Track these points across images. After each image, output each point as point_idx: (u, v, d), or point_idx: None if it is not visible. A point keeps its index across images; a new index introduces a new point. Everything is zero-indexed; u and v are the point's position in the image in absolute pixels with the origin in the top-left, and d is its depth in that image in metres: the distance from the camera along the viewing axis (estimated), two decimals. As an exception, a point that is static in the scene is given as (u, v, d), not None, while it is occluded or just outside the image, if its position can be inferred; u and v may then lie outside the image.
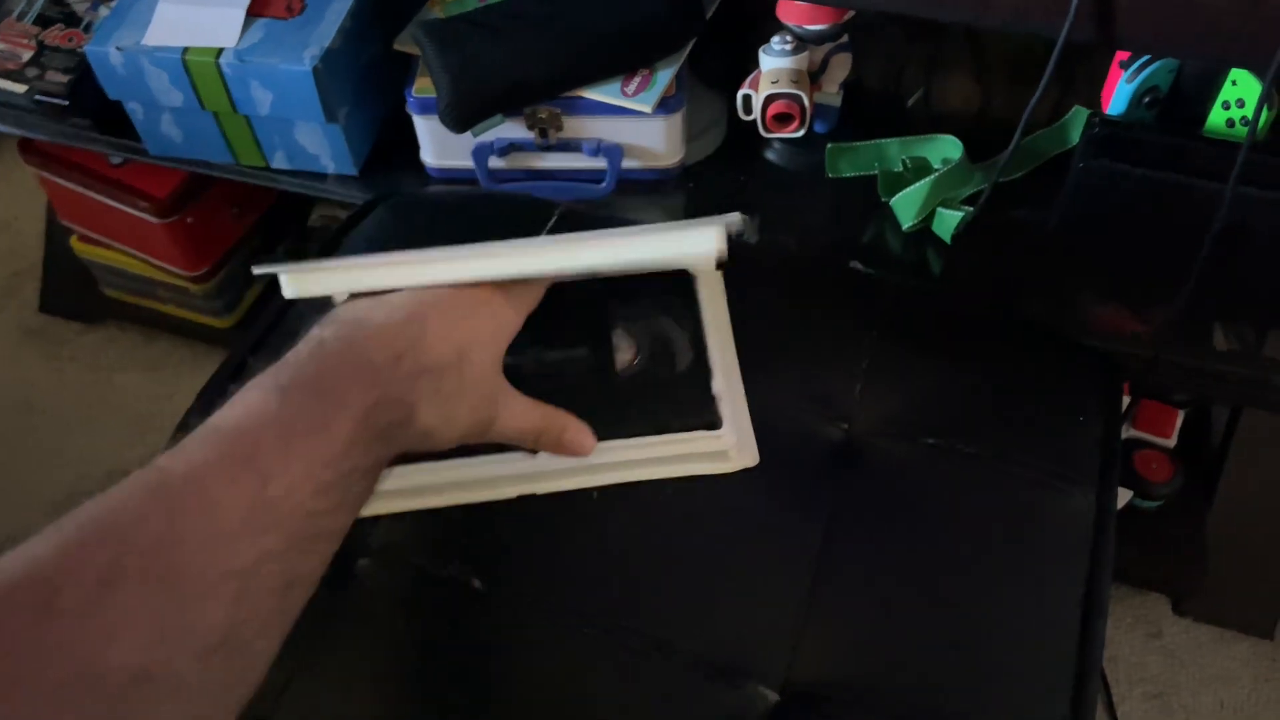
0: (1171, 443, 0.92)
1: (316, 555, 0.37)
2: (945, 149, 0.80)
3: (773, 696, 0.51)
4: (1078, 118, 0.80)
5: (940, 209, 0.76)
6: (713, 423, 0.50)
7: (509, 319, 0.44)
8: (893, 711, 0.51)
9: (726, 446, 0.51)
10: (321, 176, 0.86)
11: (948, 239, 0.76)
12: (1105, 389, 0.63)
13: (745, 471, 0.58)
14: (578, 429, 0.47)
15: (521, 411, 0.44)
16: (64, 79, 0.84)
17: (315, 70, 0.76)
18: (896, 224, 0.78)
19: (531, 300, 0.45)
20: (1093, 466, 0.58)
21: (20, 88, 0.85)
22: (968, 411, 0.60)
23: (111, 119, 0.86)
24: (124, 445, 1.15)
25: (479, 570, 0.54)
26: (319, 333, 0.40)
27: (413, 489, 0.49)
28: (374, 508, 0.52)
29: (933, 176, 0.76)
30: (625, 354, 0.49)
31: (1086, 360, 0.66)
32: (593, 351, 0.49)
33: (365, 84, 0.83)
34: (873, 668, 0.52)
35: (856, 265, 0.77)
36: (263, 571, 0.34)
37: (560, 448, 0.47)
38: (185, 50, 0.77)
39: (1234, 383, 0.70)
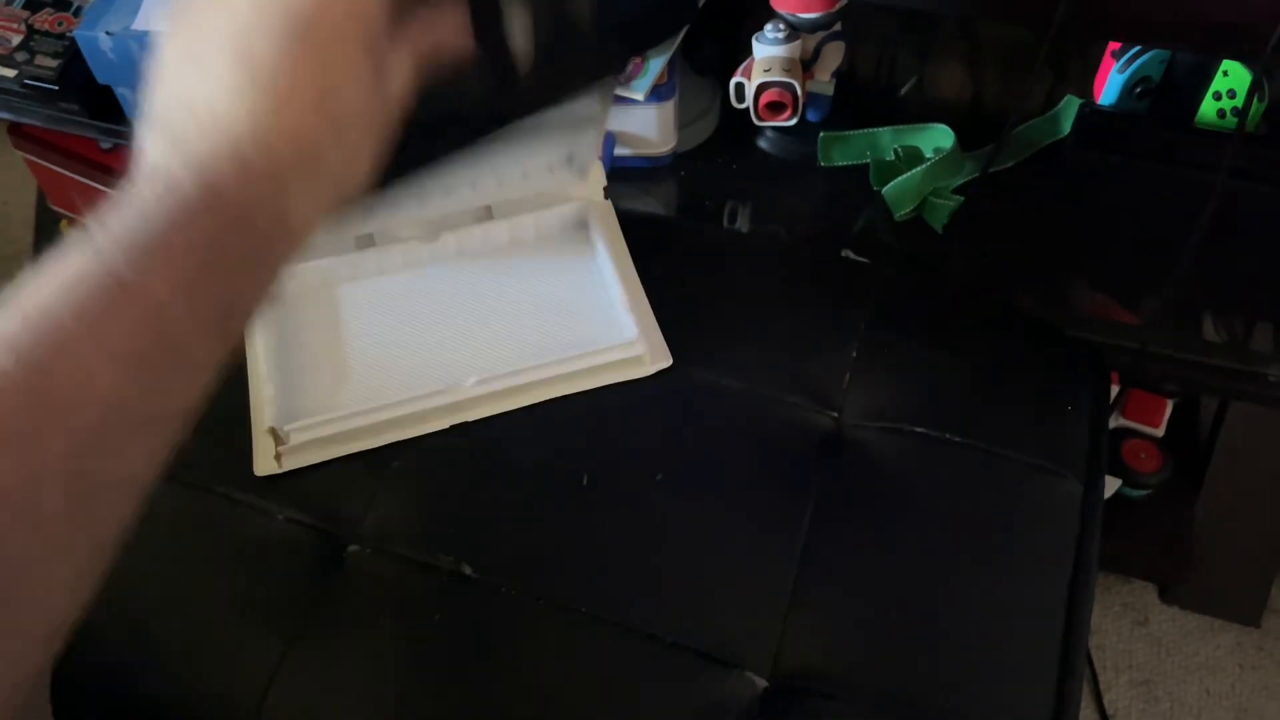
0: (1160, 432, 0.92)
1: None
2: (937, 138, 0.80)
3: (761, 683, 0.51)
4: (1069, 107, 0.80)
5: (932, 198, 0.76)
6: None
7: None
8: (879, 699, 0.51)
9: (640, 353, 0.60)
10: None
11: (939, 228, 0.76)
12: (1094, 380, 0.64)
13: (733, 460, 0.59)
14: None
15: (403, 70, 0.36)
16: (53, 64, 0.83)
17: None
18: (888, 213, 0.78)
19: None
20: (1081, 456, 0.59)
21: (10, 72, 0.84)
22: (957, 401, 0.60)
23: (101, 103, 0.86)
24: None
25: (469, 557, 0.54)
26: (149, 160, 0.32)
27: (346, 433, 0.55)
28: (304, 458, 0.57)
29: (925, 166, 0.76)
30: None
31: (1075, 351, 0.66)
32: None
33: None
34: (860, 656, 0.52)
35: (848, 254, 0.77)
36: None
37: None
38: (175, 35, 0.76)
39: (1222, 375, 0.70)
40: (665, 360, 0.60)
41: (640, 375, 0.60)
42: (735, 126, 0.85)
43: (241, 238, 0.32)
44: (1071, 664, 0.53)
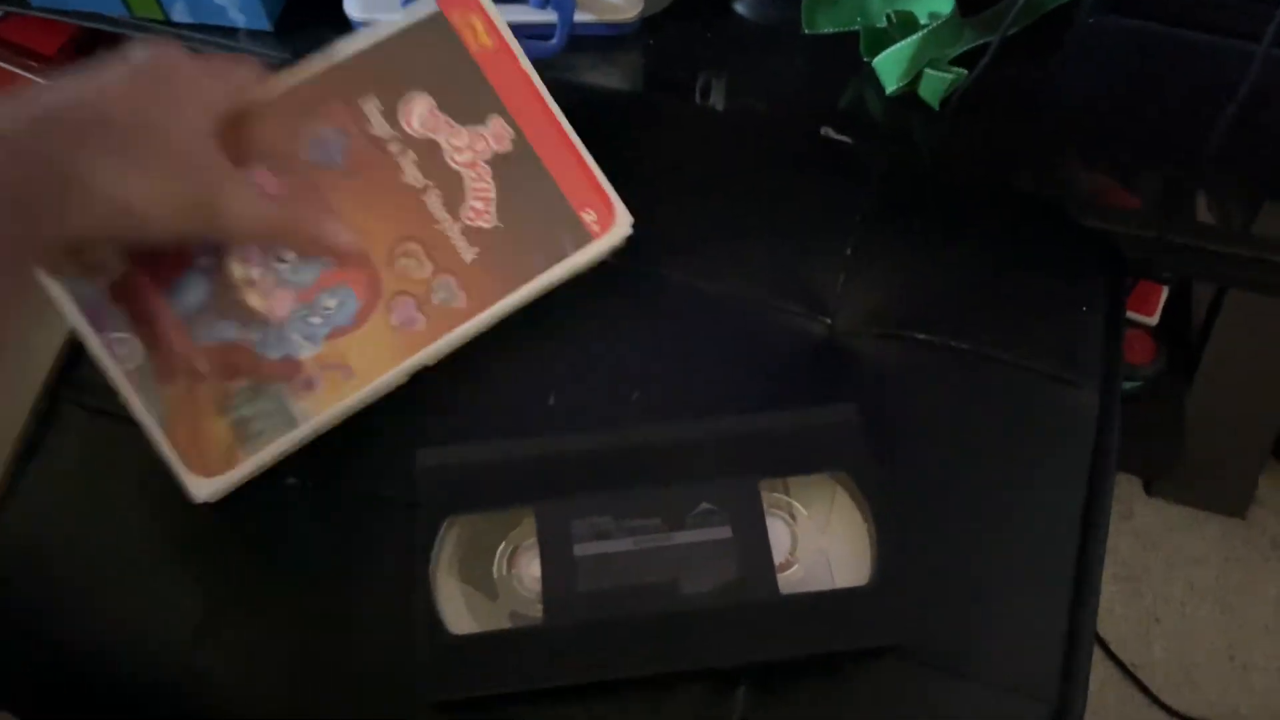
0: (1154, 320, 0.88)
1: None
2: (934, 3, 0.72)
3: (751, 623, 0.46)
4: (1080, -34, 0.72)
5: (928, 70, 0.68)
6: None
7: (216, 93, 0.40)
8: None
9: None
10: (231, 32, 0.76)
11: (935, 105, 0.68)
12: (1108, 274, 0.58)
13: (715, 375, 0.52)
14: (327, 223, 0.43)
15: (249, 201, 0.40)
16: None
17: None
18: (879, 87, 0.70)
19: (248, 80, 0.42)
20: (1096, 362, 0.54)
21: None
22: (961, 303, 0.55)
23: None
24: None
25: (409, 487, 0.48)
26: None
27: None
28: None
29: (920, 33, 0.68)
30: None
31: (1088, 242, 0.60)
32: None
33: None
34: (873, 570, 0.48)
35: (828, 132, 0.70)
36: None
37: (311, 247, 0.44)
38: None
39: (1238, 263, 0.65)
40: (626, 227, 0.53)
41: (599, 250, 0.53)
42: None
43: None
44: (1087, 582, 0.49)
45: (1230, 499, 0.90)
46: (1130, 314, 0.89)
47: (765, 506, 0.46)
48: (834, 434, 0.48)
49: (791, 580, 0.46)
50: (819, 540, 0.47)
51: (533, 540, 0.45)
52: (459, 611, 0.44)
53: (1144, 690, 0.82)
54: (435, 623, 0.43)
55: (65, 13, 0.77)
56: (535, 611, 0.44)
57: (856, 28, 0.73)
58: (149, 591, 0.48)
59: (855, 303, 0.54)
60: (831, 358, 0.53)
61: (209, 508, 0.48)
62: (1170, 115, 0.62)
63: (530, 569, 0.45)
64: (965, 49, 0.70)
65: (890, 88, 0.69)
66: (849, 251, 0.55)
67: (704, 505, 0.46)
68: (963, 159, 0.67)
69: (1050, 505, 0.50)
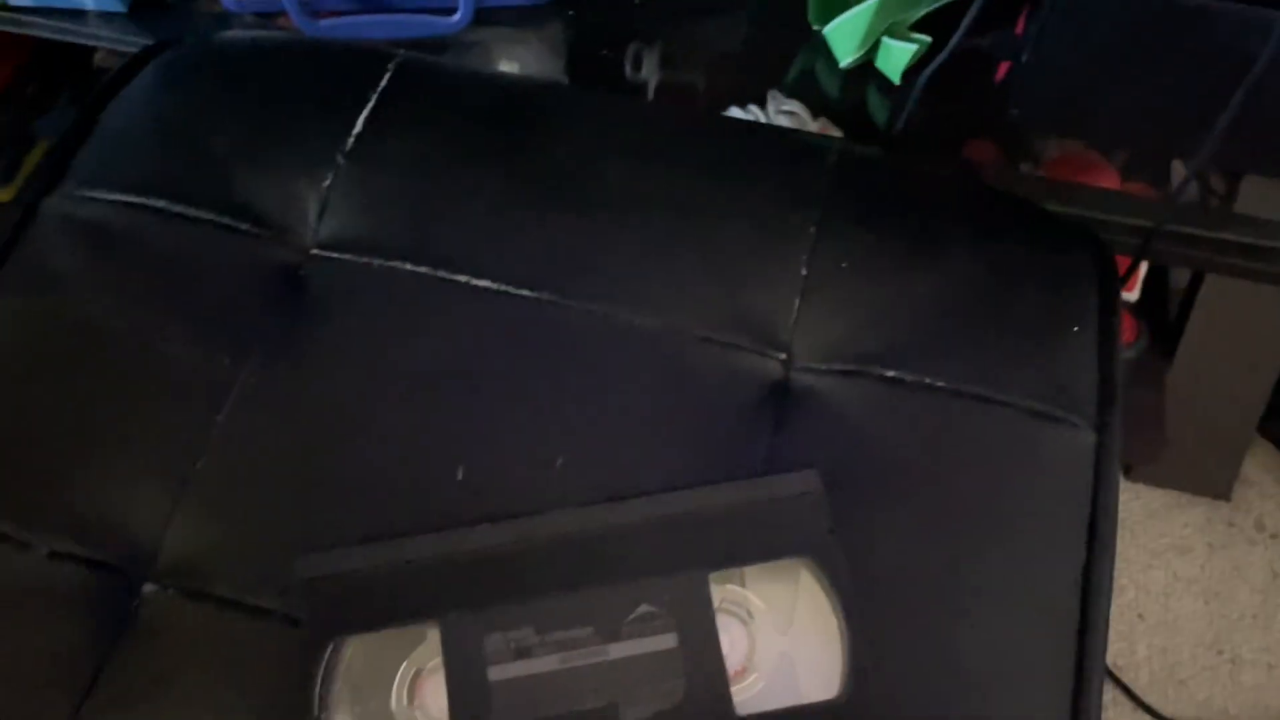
0: (1135, 297, 0.81)
1: None
2: (890, -42, 0.63)
3: None
4: (1053, -90, 0.63)
5: (886, 39, 0.60)
6: None
7: None
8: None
9: None
10: (79, 14, 0.65)
11: (896, 78, 0.60)
12: (1098, 277, 0.51)
13: (653, 429, 0.45)
14: None
15: None
16: None
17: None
18: (832, 59, 0.62)
19: None
20: (1091, 392, 0.46)
21: None
22: (934, 330, 0.47)
23: None
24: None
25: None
26: None
27: None
28: None
29: (877, -3, 0.59)
30: None
31: (1072, 238, 0.52)
32: None
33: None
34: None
35: (739, 111, 0.61)
36: None
37: None
38: None
39: (1234, 252, 0.58)
40: None
41: None
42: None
43: None
44: (1090, 621, 0.42)
45: (1215, 480, 0.85)
46: (1108, 288, 0.82)
47: (716, 604, 0.39)
48: (794, 509, 0.40)
49: (749, 694, 0.38)
50: (780, 642, 0.39)
51: (438, 662, 0.38)
52: None
53: (1128, 693, 0.77)
54: None
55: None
56: None
57: (803, -10, 0.64)
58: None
59: (813, 333, 0.47)
60: (787, 401, 0.45)
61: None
62: (1162, 88, 0.54)
63: (436, 698, 0.37)
64: (926, 11, 0.62)
65: (844, 60, 0.61)
66: (803, 271, 0.47)
67: (644, 608, 0.38)
68: (927, 140, 0.59)
69: (1045, 571, 0.43)
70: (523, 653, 0.37)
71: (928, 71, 0.56)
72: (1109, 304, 0.49)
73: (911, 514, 0.43)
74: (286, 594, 0.40)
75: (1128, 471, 0.87)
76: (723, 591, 0.39)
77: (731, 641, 0.39)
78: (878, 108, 0.61)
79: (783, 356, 0.46)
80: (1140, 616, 0.81)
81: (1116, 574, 0.78)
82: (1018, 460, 0.45)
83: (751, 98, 0.62)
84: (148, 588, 0.41)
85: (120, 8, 0.64)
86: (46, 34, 0.66)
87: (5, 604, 0.42)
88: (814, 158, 0.53)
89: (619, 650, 0.38)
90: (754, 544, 0.40)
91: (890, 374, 0.45)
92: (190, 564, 0.42)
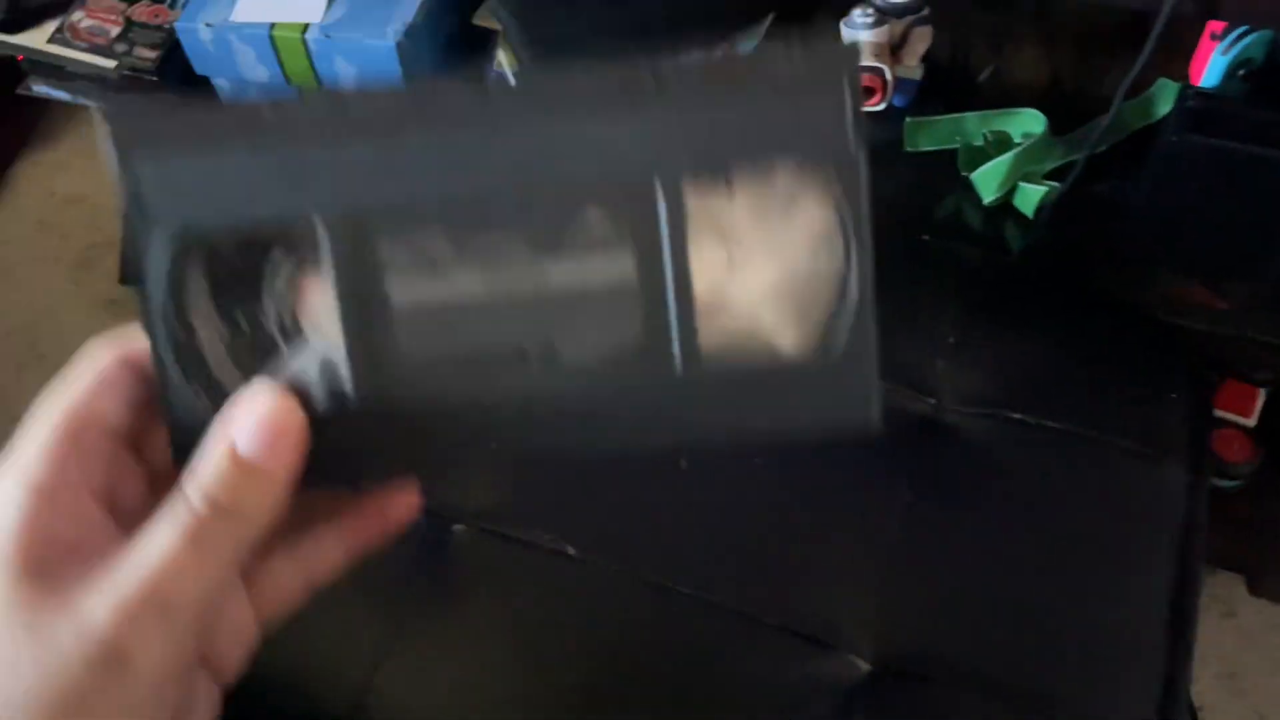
0: (1252, 422, 0.90)
1: None
2: (1026, 123, 0.79)
3: (863, 666, 0.51)
4: (1164, 91, 0.79)
5: (1022, 184, 0.76)
6: None
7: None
8: (983, 685, 0.51)
9: None
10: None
11: (1030, 213, 0.75)
12: (1192, 366, 0.63)
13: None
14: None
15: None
16: (152, 55, 0.86)
17: (399, 44, 0.77)
18: (976, 199, 0.77)
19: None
20: (1183, 444, 0.58)
21: (110, 63, 0.87)
22: (1053, 387, 0.60)
23: (197, 94, 0.88)
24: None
25: (571, 537, 0.55)
26: None
27: None
28: None
29: (1016, 150, 0.75)
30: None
31: (1171, 338, 0.65)
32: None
33: (445, 59, 0.84)
34: (962, 643, 0.52)
35: (930, 238, 0.77)
36: None
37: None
38: (273, 26, 0.78)
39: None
40: None
41: None
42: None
43: None
44: (1179, 656, 0.52)
45: (1335, 599, 0.91)
46: (1229, 415, 0.92)
47: (690, 216, 0.28)
48: (816, 100, 0.27)
49: (719, 338, 0.29)
50: (769, 275, 0.29)
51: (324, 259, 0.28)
52: (226, 378, 0.28)
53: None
54: (188, 394, 0.28)
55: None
56: (338, 375, 0.28)
57: (954, 146, 0.81)
58: (334, 623, 0.55)
59: (956, 385, 0.60)
60: (934, 433, 0.59)
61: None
62: (1247, 225, 0.67)
63: (327, 313, 0.28)
64: (1057, 165, 0.77)
65: (987, 198, 0.76)
66: (951, 339, 0.62)
67: (593, 212, 0.28)
68: (1052, 262, 0.73)
69: (1141, 577, 0.54)
70: (432, 265, 0.28)
71: (1050, 204, 0.71)
72: (1199, 381, 0.61)
73: (1031, 522, 0.55)
74: (562, 533, 0.55)
75: (1252, 586, 0.93)
76: (700, 201, 0.28)
77: (704, 266, 0.29)
78: (1013, 236, 0.76)
79: (932, 400, 0.60)
80: (1261, 717, 0.86)
81: (1238, 679, 0.85)
82: (1121, 489, 0.57)
83: (913, 226, 0.78)
84: (456, 526, 0.57)
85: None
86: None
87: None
88: (960, 263, 0.68)
89: (558, 271, 0.28)
90: (751, 137, 0.28)
91: (1016, 416, 0.59)
92: (488, 511, 0.57)
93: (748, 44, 0.77)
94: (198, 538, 0.24)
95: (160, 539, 0.24)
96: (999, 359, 0.61)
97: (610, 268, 0.28)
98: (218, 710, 0.28)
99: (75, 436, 0.26)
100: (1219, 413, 0.90)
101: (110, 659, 0.23)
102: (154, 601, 0.24)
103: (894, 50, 0.79)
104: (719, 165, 0.28)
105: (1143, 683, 0.52)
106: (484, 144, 0.27)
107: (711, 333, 0.29)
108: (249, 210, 0.27)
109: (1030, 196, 0.75)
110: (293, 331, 0.29)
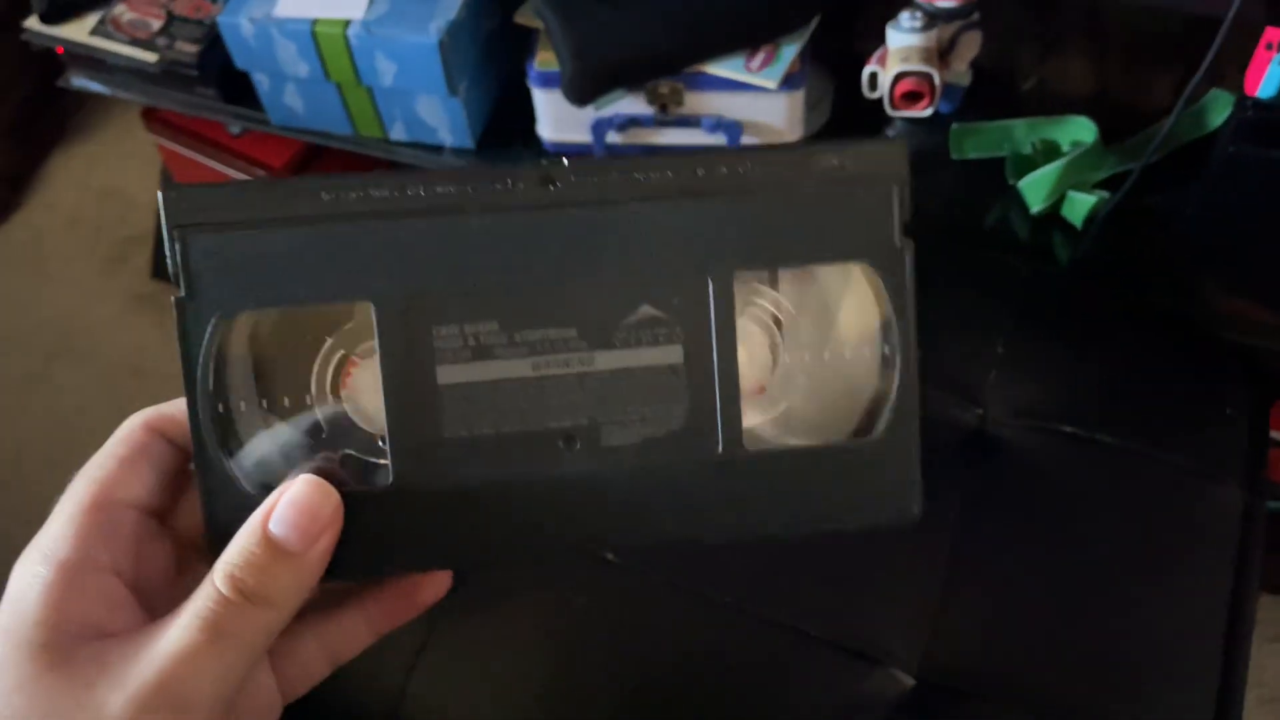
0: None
1: None
2: (1076, 131, 0.78)
3: (908, 681, 0.50)
4: (1217, 101, 0.77)
5: (1071, 193, 0.74)
6: None
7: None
8: (1032, 704, 0.50)
9: None
10: (438, 149, 0.87)
11: (1078, 223, 0.74)
12: (1251, 384, 0.61)
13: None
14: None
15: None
16: (193, 49, 0.86)
17: (440, 42, 0.76)
18: (1023, 207, 0.76)
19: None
20: (1240, 462, 0.57)
21: (151, 56, 0.86)
22: (1106, 401, 0.59)
23: (235, 89, 0.88)
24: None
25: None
26: None
27: None
28: None
29: (1066, 159, 0.74)
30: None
31: (1228, 355, 0.63)
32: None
33: (486, 57, 0.83)
34: (1012, 659, 0.51)
35: (976, 247, 0.75)
36: None
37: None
38: (315, 21, 0.78)
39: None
40: None
41: None
42: (855, 118, 0.83)
43: None
44: (1233, 679, 0.51)
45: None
46: None
47: (739, 309, 0.29)
48: (859, 197, 0.29)
49: (765, 420, 0.30)
50: (811, 363, 0.30)
51: (371, 346, 0.28)
52: (267, 460, 0.28)
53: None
54: (225, 476, 0.27)
55: (299, 130, 0.89)
56: (378, 458, 0.29)
57: (1000, 154, 0.79)
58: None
59: (1005, 396, 0.59)
60: (982, 445, 0.57)
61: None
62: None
63: (370, 392, 0.29)
64: (1107, 175, 0.76)
65: (1035, 208, 0.75)
66: (1000, 350, 0.60)
67: (646, 310, 0.29)
68: (1104, 274, 0.72)
69: (1197, 595, 0.53)
70: (483, 352, 0.28)
71: (1100, 215, 0.70)
72: (1258, 399, 0.60)
73: (1083, 538, 0.54)
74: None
75: (1295, 609, 0.91)
76: (748, 291, 0.30)
77: (751, 353, 0.30)
78: (1061, 247, 0.74)
79: (980, 411, 0.59)
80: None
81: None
82: (1175, 506, 0.55)
83: (959, 235, 0.76)
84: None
85: (470, 144, 0.86)
86: (410, 160, 0.88)
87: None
88: (1008, 274, 0.67)
89: (608, 360, 0.28)
90: (800, 234, 0.29)
91: (1068, 430, 0.57)
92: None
93: (791, 48, 0.75)
94: (219, 629, 0.24)
95: (180, 631, 0.24)
96: (1049, 371, 0.60)
97: (658, 356, 0.29)
98: None
99: (104, 514, 0.26)
100: (1274, 434, 0.88)
101: None
102: (169, 695, 0.24)
103: (942, 55, 0.78)
104: (768, 260, 0.29)
105: (1195, 706, 0.50)
106: (540, 233, 0.28)
107: (754, 419, 0.29)
108: (299, 291, 0.27)
109: (1080, 206, 0.73)
110: (336, 414, 0.29)
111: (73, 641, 0.24)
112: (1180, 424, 0.58)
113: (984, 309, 0.63)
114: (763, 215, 0.28)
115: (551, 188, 0.28)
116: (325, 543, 0.26)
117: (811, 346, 0.30)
